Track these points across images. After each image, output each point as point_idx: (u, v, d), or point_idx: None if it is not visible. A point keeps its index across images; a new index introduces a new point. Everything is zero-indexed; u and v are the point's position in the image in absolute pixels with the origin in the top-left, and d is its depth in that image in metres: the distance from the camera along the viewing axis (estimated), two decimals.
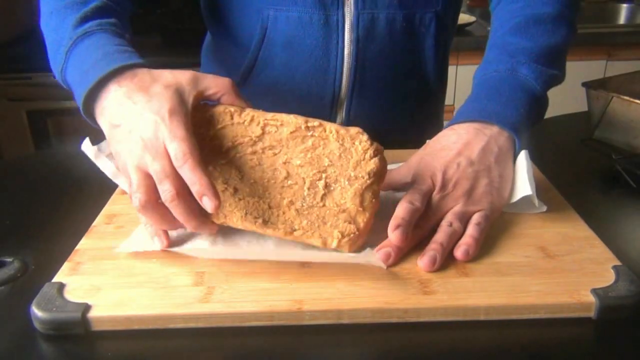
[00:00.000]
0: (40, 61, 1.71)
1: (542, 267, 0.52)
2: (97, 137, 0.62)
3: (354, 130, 0.52)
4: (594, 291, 0.48)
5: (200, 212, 0.51)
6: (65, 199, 0.70)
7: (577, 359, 0.45)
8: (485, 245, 0.55)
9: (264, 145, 0.52)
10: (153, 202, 0.50)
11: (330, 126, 0.52)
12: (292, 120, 0.52)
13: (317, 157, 0.52)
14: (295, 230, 0.50)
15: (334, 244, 0.51)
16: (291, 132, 0.52)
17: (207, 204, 0.48)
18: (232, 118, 0.54)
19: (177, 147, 0.49)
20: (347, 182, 0.51)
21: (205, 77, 0.55)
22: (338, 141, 0.51)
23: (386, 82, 0.82)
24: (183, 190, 0.49)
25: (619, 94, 0.79)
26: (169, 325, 0.47)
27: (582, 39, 1.74)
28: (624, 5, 2.10)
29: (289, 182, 0.52)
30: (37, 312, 0.47)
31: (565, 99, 1.35)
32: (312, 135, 0.52)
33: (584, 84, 0.84)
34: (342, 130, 0.52)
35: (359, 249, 0.52)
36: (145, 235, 0.56)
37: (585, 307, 0.47)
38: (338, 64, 0.78)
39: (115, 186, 0.68)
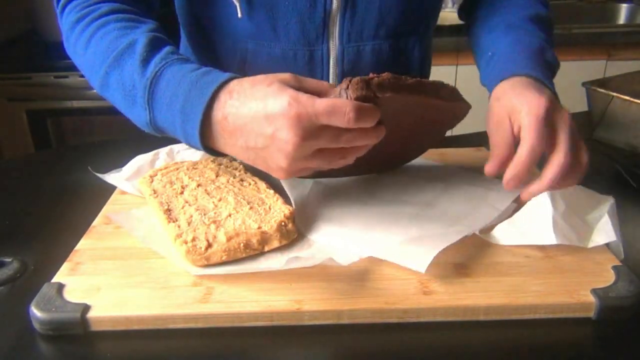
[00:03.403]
0: (40, 61, 1.71)
1: (542, 267, 0.52)
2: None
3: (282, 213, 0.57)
4: (594, 291, 0.48)
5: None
6: (65, 199, 0.70)
7: (577, 359, 0.45)
8: (486, 246, 0.55)
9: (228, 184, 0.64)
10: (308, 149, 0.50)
11: (274, 202, 0.60)
12: (261, 186, 0.63)
13: (245, 201, 0.60)
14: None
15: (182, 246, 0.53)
16: (251, 189, 0.63)
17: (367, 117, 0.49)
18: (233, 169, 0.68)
19: (327, 106, 0.48)
20: (240, 222, 0.55)
21: (303, 78, 0.53)
22: (267, 203, 0.60)
23: None
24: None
25: (619, 94, 0.79)
26: (168, 325, 0.47)
27: (582, 39, 1.74)
28: (624, 5, 2.09)
29: (214, 200, 0.60)
30: (36, 312, 0.47)
31: (565, 99, 1.35)
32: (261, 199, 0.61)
33: (584, 84, 0.84)
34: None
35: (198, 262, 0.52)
36: (136, 220, 0.60)
37: (585, 307, 0.47)
38: None
39: (114, 187, 0.68)
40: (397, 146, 0.64)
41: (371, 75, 0.51)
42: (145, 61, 0.56)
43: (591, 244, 0.55)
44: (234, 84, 0.52)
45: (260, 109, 0.49)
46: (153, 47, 0.58)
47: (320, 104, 0.48)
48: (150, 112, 0.56)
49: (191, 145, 0.55)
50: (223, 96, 0.52)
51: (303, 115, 0.47)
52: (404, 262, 0.51)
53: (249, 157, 0.53)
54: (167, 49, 0.58)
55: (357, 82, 0.50)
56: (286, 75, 0.52)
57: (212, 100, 0.52)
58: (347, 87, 0.50)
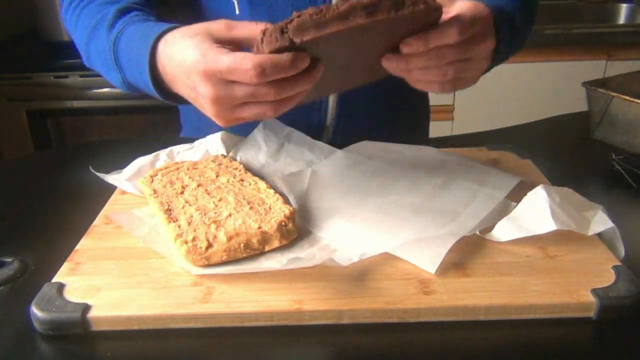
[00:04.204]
0: (40, 61, 1.72)
1: (542, 267, 0.52)
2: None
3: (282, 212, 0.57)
4: (594, 291, 0.48)
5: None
6: (65, 199, 0.70)
7: (577, 359, 0.45)
8: (486, 246, 0.55)
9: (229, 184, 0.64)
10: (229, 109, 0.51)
11: (274, 201, 0.60)
12: (261, 186, 0.63)
13: (245, 201, 0.59)
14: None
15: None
16: (252, 189, 0.63)
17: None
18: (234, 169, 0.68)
19: (229, 63, 0.47)
20: (241, 222, 0.55)
21: (238, 24, 0.52)
22: (267, 204, 0.59)
23: (370, 112, 0.83)
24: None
25: (619, 94, 0.79)
26: (168, 325, 0.47)
27: (582, 39, 1.74)
28: (624, 5, 2.09)
29: (214, 200, 0.60)
30: (36, 312, 0.47)
31: (565, 99, 1.35)
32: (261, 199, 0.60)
33: (584, 84, 0.84)
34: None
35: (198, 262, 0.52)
36: (139, 222, 0.60)
37: (585, 307, 0.47)
38: (323, 100, 0.79)
39: (114, 187, 0.68)
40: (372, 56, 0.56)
41: (293, 15, 0.45)
42: (111, 26, 0.61)
43: (590, 232, 0.55)
44: (170, 34, 0.54)
45: (181, 62, 0.51)
46: (120, 14, 0.63)
47: (223, 62, 0.47)
48: (120, 71, 0.61)
49: (154, 96, 0.59)
50: (160, 46, 0.55)
51: (209, 71, 0.48)
52: (414, 261, 0.52)
53: (193, 102, 0.55)
54: (133, 13, 0.62)
55: (271, 32, 0.46)
56: (216, 25, 0.51)
57: (154, 50, 0.55)
58: (262, 41, 0.46)
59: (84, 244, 0.57)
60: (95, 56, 0.64)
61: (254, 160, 0.73)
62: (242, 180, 0.65)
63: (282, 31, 0.45)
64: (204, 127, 0.79)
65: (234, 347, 0.46)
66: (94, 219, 0.62)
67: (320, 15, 0.44)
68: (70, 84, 1.66)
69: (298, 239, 0.56)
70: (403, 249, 0.53)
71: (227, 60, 0.47)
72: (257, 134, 0.76)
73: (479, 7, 0.56)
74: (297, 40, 0.45)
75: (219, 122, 0.53)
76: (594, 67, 1.77)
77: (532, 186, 0.61)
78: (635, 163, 0.74)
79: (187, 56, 0.50)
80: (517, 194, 0.62)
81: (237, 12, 0.71)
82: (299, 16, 0.45)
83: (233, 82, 0.48)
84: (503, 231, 0.56)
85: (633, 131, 0.78)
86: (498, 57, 0.62)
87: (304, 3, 0.71)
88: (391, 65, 0.56)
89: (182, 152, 0.74)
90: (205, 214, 0.57)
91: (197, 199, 0.60)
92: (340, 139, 0.82)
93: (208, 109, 0.52)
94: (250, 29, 0.50)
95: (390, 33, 0.52)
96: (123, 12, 0.63)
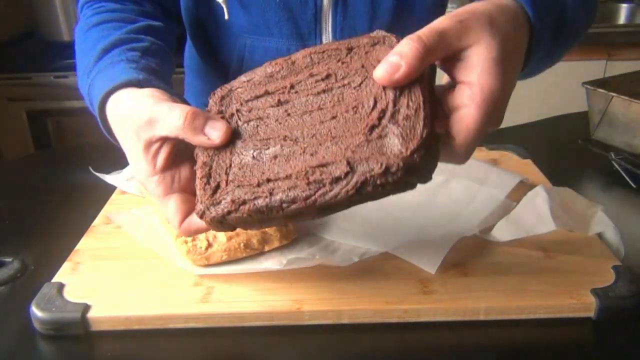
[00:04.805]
0: (40, 61, 1.71)
1: (542, 267, 0.52)
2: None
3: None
4: (594, 291, 0.48)
5: None
6: (65, 199, 0.70)
7: (577, 359, 0.45)
8: (486, 246, 0.55)
9: None
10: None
11: None
12: None
13: None
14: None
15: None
16: None
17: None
18: None
19: (165, 212, 0.46)
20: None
21: (158, 117, 0.44)
22: None
23: None
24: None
25: (619, 94, 0.79)
26: (168, 325, 0.47)
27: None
28: (624, 5, 2.09)
29: None
30: (36, 312, 0.47)
31: (565, 99, 1.35)
32: None
33: (584, 84, 0.84)
34: None
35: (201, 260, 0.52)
36: (139, 222, 0.60)
37: (585, 307, 0.47)
38: None
39: (114, 187, 0.68)
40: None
41: (231, 197, 0.40)
42: (90, 70, 0.55)
43: (590, 232, 0.56)
44: (110, 102, 0.50)
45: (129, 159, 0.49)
46: (103, 53, 0.55)
47: (162, 207, 0.45)
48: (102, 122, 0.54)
49: None
50: (107, 112, 0.51)
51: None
52: (414, 261, 0.52)
53: None
54: (113, 52, 0.55)
55: (211, 220, 0.41)
56: (139, 121, 0.45)
57: (104, 106, 0.51)
58: (202, 214, 0.41)
59: (84, 244, 0.57)
60: (81, 89, 0.57)
61: None
62: None
63: (222, 221, 0.41)
64: None
65: (234, 347, 0.46)
66: (94, 219, 0.62)
67: (263, 216, 0.39)
68: (70, 84, 1.66)
69: (298, 239, 0.56)
70: (403, 249, 0.53)
71: (165, 209, 0.45)
72: None
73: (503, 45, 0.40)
74: (239, 227, 0.42)
75: None
76: (594, 67, 1.77)
77: (532, 186, 0.61)
78: (635, 163, 0.74)
79: (126, 152, 0.49)
80: (517, 194, 0.62)
81: (226, 17, 0.71)
82: (242, 203, 0.39)
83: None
84: (503, 231, 0.56)
85: (633, 131, 0.78)
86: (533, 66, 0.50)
87: (296, 5, 0.70)
88: None
89: None
90: None
91: None
92: None
93: None
94: (169, 126, 0.43)
95: None
96: (107, 50, 0.55)
